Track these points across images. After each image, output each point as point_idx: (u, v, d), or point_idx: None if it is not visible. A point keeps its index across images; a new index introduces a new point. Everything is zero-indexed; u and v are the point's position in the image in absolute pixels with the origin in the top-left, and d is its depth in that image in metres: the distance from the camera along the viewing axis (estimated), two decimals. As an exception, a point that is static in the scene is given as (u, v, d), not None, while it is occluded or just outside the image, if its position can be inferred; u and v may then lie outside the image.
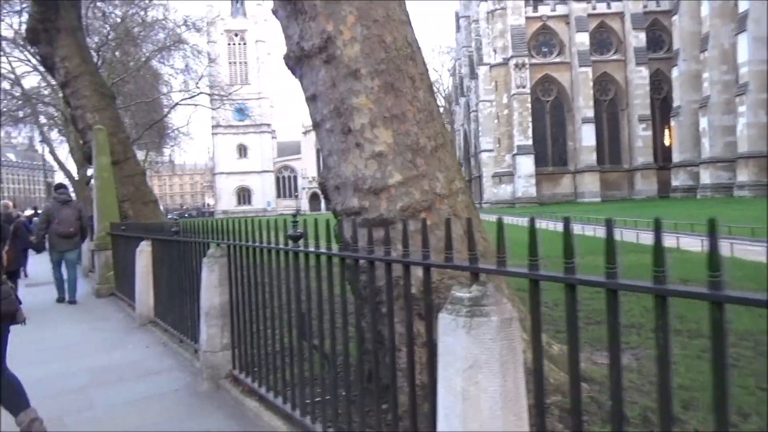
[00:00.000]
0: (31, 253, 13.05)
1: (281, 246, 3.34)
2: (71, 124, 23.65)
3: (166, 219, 11.47)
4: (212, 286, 4.25)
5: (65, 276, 8.95)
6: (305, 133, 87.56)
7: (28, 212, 19.32)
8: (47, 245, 9.25)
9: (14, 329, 6.79)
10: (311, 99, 3.45)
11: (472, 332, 1.81)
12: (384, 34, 3.25)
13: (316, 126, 3.49)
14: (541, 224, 23.86)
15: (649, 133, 55.16)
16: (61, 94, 21.48)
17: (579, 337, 1.80)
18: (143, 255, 6.64)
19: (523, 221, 28.67)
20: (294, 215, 3.35)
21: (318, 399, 3.17)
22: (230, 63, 77.91)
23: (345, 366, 2.99)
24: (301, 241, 3.21)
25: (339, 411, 2.94)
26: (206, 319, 4.28)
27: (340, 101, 3.27)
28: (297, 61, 3.45)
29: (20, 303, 4.07)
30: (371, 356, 3.33)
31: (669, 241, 15.72)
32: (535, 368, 1.80)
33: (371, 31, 3.23)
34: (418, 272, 3.14)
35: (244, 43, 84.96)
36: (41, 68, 27.04)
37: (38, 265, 12.27)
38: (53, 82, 26.16)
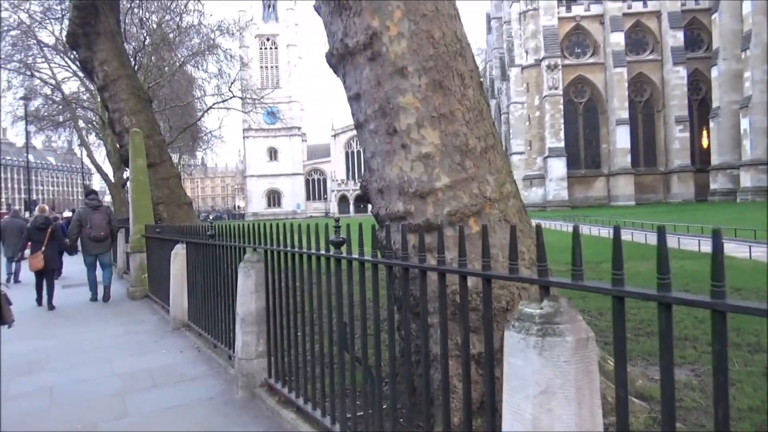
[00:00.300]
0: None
1: (322, 252, 3.19)
2: (108, 128, 24.12)
3: (200, 221, 11.49)
4: (248, 292, 4.13)
5: (99, 278, 9.37)
6: (334, 136, 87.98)
7: (67, 214, 19.77)
8: (80, 248, 9.65)
9: (49, 332, 6.87)
10: (354, 98, 3.29)
11: (545, 353, 1.62)
12: (432, 29, 3.07)
13: (359, 126, 3.34)
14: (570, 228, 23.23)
15: (687, 134, 53.72)
16: (98, 99, 21.96)
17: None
18: (178, 258, 6.59)
19: (556, 225, 28.04)
20: (336, 219, 3.19)
21: (360, 413, 3.01)
22: (262, 67, 78.81)
23: (391, 380, 2.82)
24: (343, 248, 3.05)
25: (384, 428, 2.77)
26: (242, 325, 4.16)
27: (386, 100, 3.10)
28: (340, 59, 3.30)
29: (10, 304, 3.98)
30: (417, 369, 3.16)
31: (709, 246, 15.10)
32: (618, 396, 1.60)
33: (419, 27, 3.06)
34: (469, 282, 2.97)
35: (276, 48, 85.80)
36: (80, 74, 27.75)
37: (74, 265, 12.43)
38: (92, 87, 26.79)
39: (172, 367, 5.05)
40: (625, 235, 20.19)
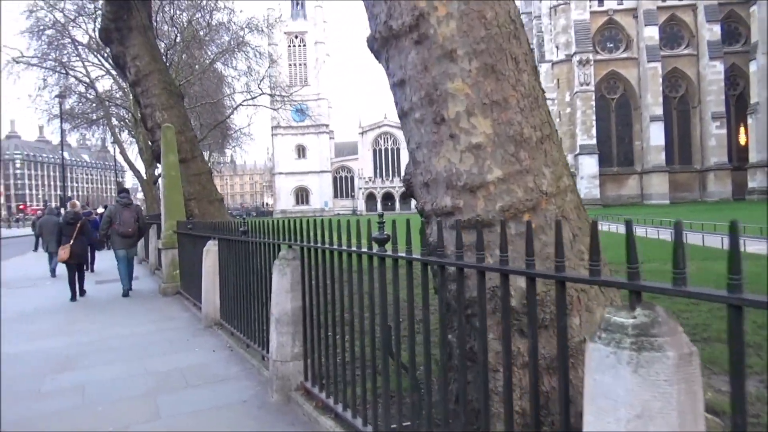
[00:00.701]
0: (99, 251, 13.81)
1: (364, 249, 2.98)
2: (140, 125, 24.41)
3: (231, 218, 11.43)
4: (283, 291, 3.96)
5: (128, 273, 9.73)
6: (362, 133, 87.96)
7: (100, 210, 20.08)
8: (109, 243, 10.09)
9: (82, 328, 6.84)
10: (399, 85, 3.08)
11: (641, 371, 1.39)
12: (484, 9, 2.83)
13: (404, 115, 3.12)
14: (608, 227, 22.61)
15: (724, 131, 52.13)
16: (131, 97, 22.25)
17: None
18: (210, 255, 6.48)
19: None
20: (380, 215, 2.99)
21: (406, 423, 2.80)
22: (290, 64, 79.20)
23: (441, 389, 2.60)
24: (387, 245, 2.85)
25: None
26: (277, 325, 3.99)
27: (433, 87, 2.88)
28: (383, 43, 3.09)
29: None
30: (459, 375, 2.95)
31: (756, 246, 14.52)
32: (735, 424, 1.35)
33: (470, 6, 2.82)
34: (519, 282, 2.75)
35: (304, 45, 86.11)
36: (114, 72, 28.22)
37: (107, 261, 12.56)
38: (125, 85, 27.18)
39: (204, 366, 4.92)
40: (663, 235, 19.53)
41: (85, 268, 10.17)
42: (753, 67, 47.30)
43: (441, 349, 2.66)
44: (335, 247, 3.28)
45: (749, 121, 48.18)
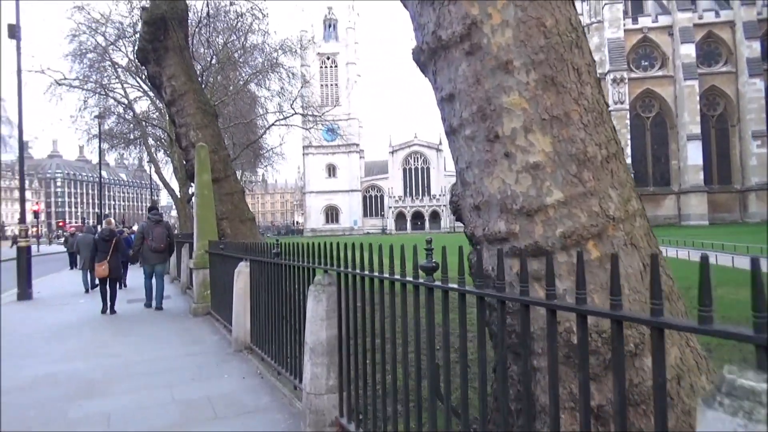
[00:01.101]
0: (131, 267, 14.14)
1: (409, 279, 2.73)
2: (175, 145, 24.78)
3: (263, 237, 11.32)
4: (318, 319, 3.72)
5: (154, 286, 10.18)
6: (392, 152, 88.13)
7: (135, 227, 20.37)
8: (141, 260, 10.60)
9: (112, 350, 6.73)
10: (447, 100, 2.84)
11: (780, 452, 1.10)
12: (544, 16, 2.59)
13: (452, 133, 2.88)
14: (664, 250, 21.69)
15: (765, 150, 50.43)
16: (167, 117, 22.62)
17: None
18: (241, 276, 6.31)
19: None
20: (428, 241, 2.74)
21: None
22: (322, 85, 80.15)
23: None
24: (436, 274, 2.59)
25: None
26: (311, 355, 3.75)
27: (486, 101, 2.64)
28: (431, 55, 2.87)
29: None
30: (518, 421, 2.65)
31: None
32: None
33: (527, 13, 2.58)
34: (573, 317, 2.47)
35: (335, 66, 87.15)
36: (151, 93, 28.88)
37: (139, 279, 12.57)
38: (161, 106, 27.75)
39: (233, 395, 4.69)
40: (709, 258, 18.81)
41: (118, 285, 10.56)
42: (796, 84, 45.82)
43: (503, 391, 2.38)
44: (376, 274, 3.03)
45: (793, 139, 46.58)
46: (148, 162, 39.90)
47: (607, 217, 2.57)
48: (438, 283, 2.57)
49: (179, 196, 30.68)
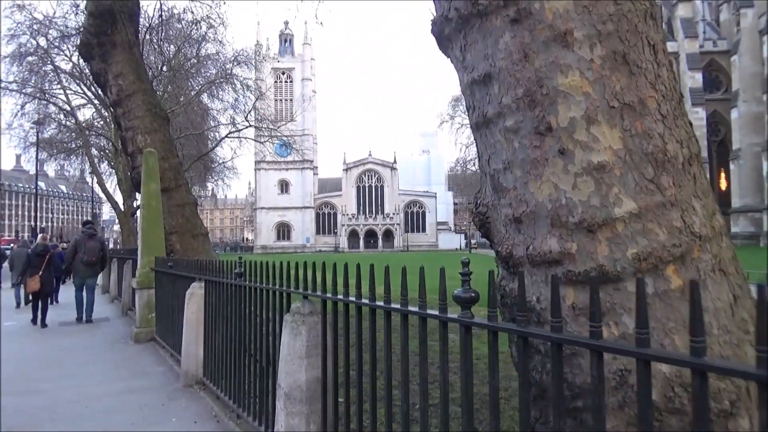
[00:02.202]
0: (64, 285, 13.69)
1: (433, 312, 2.09)
2: (121, 155, 23.34)
3: (215, 255, 10.44)
4: (297, 357, 3.01)
5: (84, 299, 10.32)
6: (346, 170, 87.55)
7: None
8: (72, 275, 10.81)
9: (38, 385, 5.74)
10: (480, 82, 2.23)
11: None
12: (613, -25, 2.03)
13: (485, 124, 2.26)
14: None
15: (708, 176, 52.45)
16: (112, 126, 21.30)
17: None
18: (194, 299, 5.48)
19: None
20: (465, 263, 2.10)
21: None
22: (276, 100, 78.83)
23: None
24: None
25: None
26: (286, 402, 3.02)
27: (536, 82, 2.04)
28: (461, 25, 2.26)
29: None
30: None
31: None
32: None
33: (592, -29, 2.02)
34: (659, 367, 1.90)
35: (291, 81, 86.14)
36: (96, 101, 27.34)
37: (70, 295, 11.71)
38: (106, 114, 26.28)
39: (183, 445, 3.88)
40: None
41: (49, 300, 10.76)
42: (734, 114, 48.15)
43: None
44: (383, 304, 2.36)
45: (731, 167, 48.73)
46: (90, 173, 37.94)
47: (692, 235, 1.99)
48: (479, 319, 1.93)
49: (123, 210, 29.09)
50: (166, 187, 8.89)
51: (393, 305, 2.30)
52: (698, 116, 52.33)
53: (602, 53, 2.00)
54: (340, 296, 2.73)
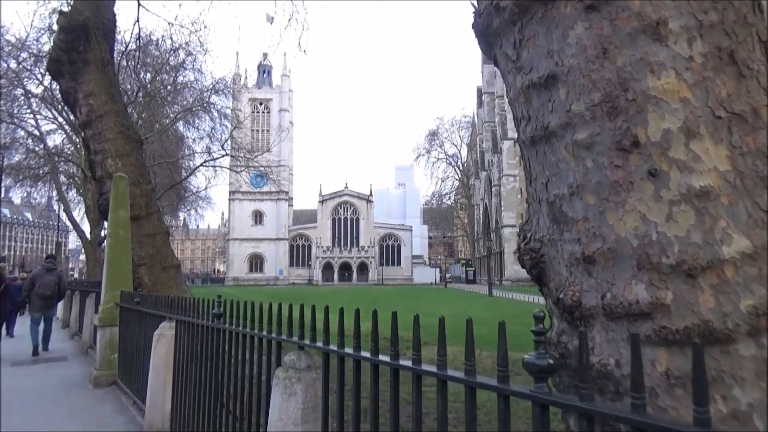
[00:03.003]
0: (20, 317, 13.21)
1: (496, 384, 1.59)
2: (89, 183, 22.43)
3: (187, 288, 9.74)
4: (290, 422, 2.46)
5: (41, 333, 10.42)
6: (322, 201, 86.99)
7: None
8: (28, 308, 11.00)
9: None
10: (541, 85, 1.78)
11: None
12: (717, -45, 1.62)
13: (544, 138, 1.80)
14: None
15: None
16: (83, 153, 20.47)
17: None
18: (163, 341, 4.86)
19: None
20: (539, 318, 1.61)
21: None
22: (253, 130, 78.32)
23: None
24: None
25: None
26: (275, 479, 2.45)
27: (618, 85, 1.60)
28: (517, 15, 1.82)
29: None
30: None
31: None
32: None
33: (692, -52, 1.61)
34: None
35: (268, 112, 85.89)
36: (67, 127, 26.50)
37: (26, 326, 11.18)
38: (77, 140, 25.42)
39: None
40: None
41: (6, 331, 11.17)
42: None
43: None
44: (411, 365, 1.85)
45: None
46: (57, 201, 36.72)
47: (820, 283, 1.56)
48: (571, 399, 1.43)
49: (90, 239, 27.98)
50: (136, 215, 8.24)
51: (431, 368, 1.78)
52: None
53: (704, 50, 1.57)
54: (349, 350, 2.21)
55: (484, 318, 17.64)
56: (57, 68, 8.54)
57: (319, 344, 2.42)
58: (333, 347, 2.32)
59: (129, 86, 24.88)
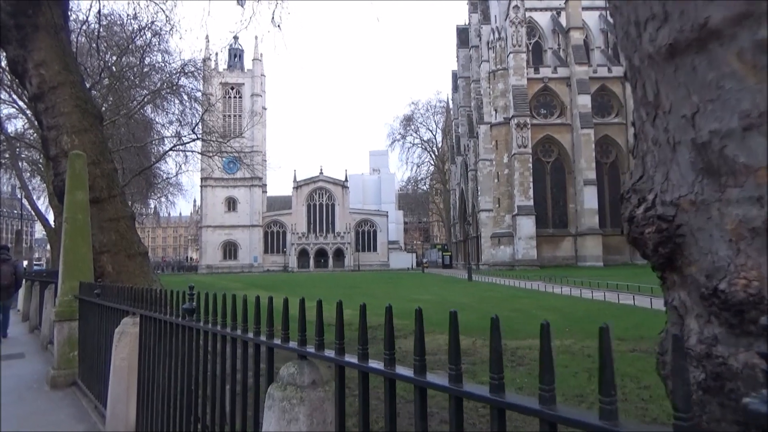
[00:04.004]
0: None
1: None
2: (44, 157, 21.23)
3: (156, 277, 8.95)
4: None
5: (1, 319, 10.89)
6: (296, 188, 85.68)
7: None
8: None
9: None
10: None
11: None
12: None
13: (691, 45, 1.16)
14: (572, 291, 20.20)
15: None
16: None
17: None
18: (125, 340, 4.15)
19: (530, 285, 25.04)
20: None
21: None
22: (225, 115, 76.42)
23: None
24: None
25: None
26: None
27: None
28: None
29: None
30: None
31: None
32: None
33: None
34: None
35: (240, 97, 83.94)
36: (29, 112, 25.06)
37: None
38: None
39: None
40: (598, 295, 18.10)
41: None
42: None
43: None
44: (493, 397, 1.22)
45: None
46: (19, 188, 35.14)
47: None
48: None
49: (54, 227, 26.72)
50: (96, 198, 7.41)
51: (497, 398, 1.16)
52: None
53: None
54: (375, 364, 1.57)
55: (468, 304, 17.21)
56: (3, 34, 7.58)
57: (331, 354, 1.77)
58: (350, 359, 1.67)
59: (91, 66, 23.60)
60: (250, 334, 2.31)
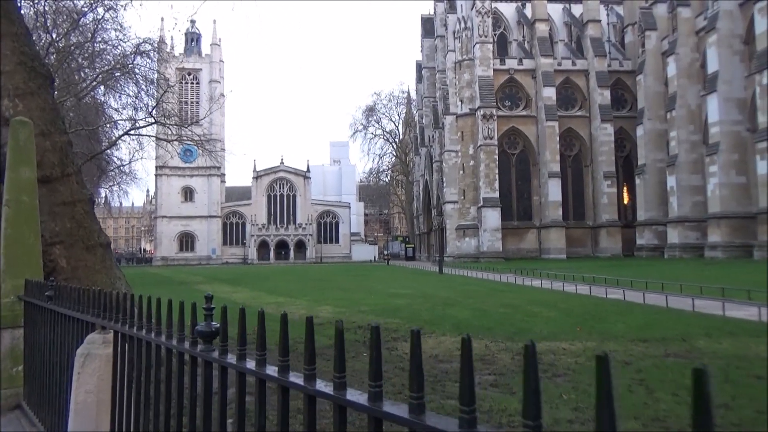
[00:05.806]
0: None
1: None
2: None
3: (119, 273, 7.64)
4: None
5: None
6: (256, 178, 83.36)
7: None
8: None
9: None
10: None
11: None
12: None
13: None
14: (535, 282, 19.35)
15: (614, 190, 54.68)
16: None
17: None
18: (92, 366, 2.97)
19: (503, 277, 24.34)
20: None
21: None
22: (182, 102, 73.45)
23: None
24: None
25: None
26: None
27: None
28: None
29: None
30: None
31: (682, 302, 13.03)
32: None
33: None
34: None
35: (197, 83, 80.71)
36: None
37: None
38: None
39: None
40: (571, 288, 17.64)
41: None
42: (639, 131, 50.30)
43: None
44: None
45: (637, 181, 50.75)
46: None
47: None
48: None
49: None
50: (46, 176, 6.05)
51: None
52: (606, 132, 54.56)
53: None
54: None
55: (453, 299, 16.30)
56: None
57: None
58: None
59: (37, 41, 21.56)
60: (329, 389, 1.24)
